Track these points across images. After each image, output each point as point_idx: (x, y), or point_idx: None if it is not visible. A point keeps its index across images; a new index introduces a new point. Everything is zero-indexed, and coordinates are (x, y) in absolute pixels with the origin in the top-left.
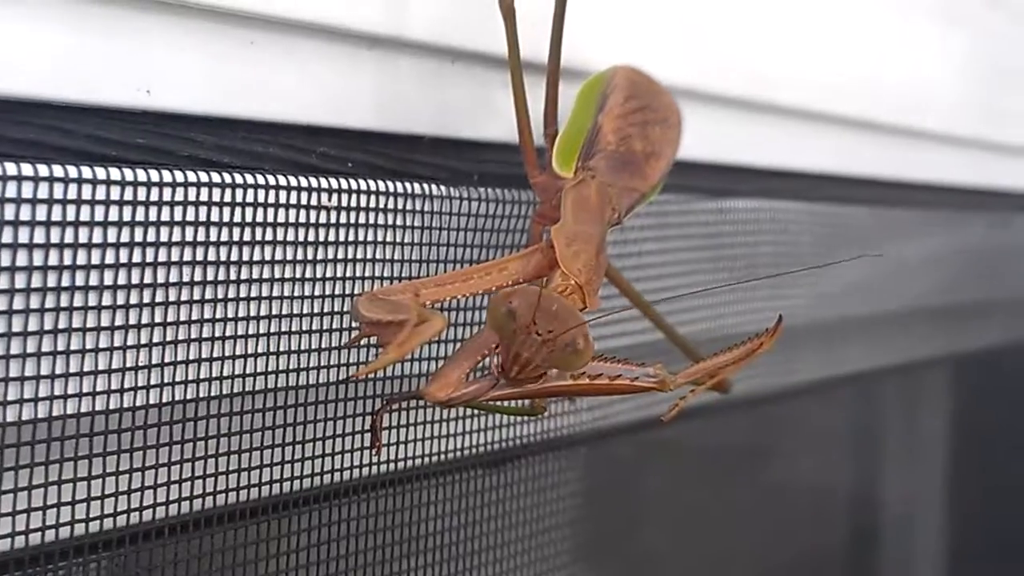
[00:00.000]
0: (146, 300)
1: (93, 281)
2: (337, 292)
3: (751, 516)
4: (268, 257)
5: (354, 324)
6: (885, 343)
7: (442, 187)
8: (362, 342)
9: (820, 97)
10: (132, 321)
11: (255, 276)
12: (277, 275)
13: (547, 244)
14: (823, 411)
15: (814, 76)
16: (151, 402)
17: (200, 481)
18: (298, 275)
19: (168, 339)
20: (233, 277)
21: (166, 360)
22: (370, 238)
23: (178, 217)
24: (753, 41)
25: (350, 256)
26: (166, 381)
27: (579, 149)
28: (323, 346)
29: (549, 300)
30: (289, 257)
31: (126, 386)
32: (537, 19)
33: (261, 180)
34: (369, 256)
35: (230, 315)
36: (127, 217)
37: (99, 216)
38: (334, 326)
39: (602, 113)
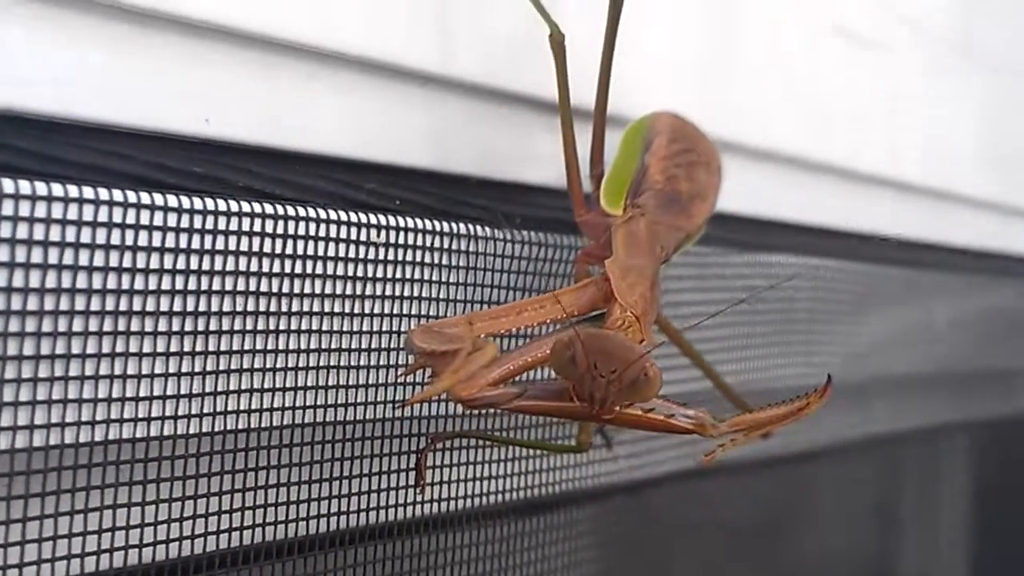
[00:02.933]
0: (198, 328)
1: (150, 307)
2: (383, 328)
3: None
4: (318, 291)
5: (408, 357)
6: (910, 406)
7: (487, 228)
8: (416, 374)
9: (857, 157)
10: (186, 348)
11: (304, 309)
12: (326, 309)
13: (601, 277)
14: (845, 472)
15: (854, 137)
16: (202, 431)
17: (247, 513)
18: (346, 309)
19: (219, 368)
20: (283, 309)
21: (214, 389)
22: (416, 276)
23: (232, 247)
24: (797, 97)
25: (396, 293)
26: (212, 411)
27: (627, 187)
28: (369, 381)
29: (604, 340)
30: (338, 291)
31: (176, 413)
32: (584, 63)
33: (313, 213)
34: (415, 294)
35: (279, 347)
36: (183, 245)
37: (156, 242)
38: (380, 362)
39: (648, 153)
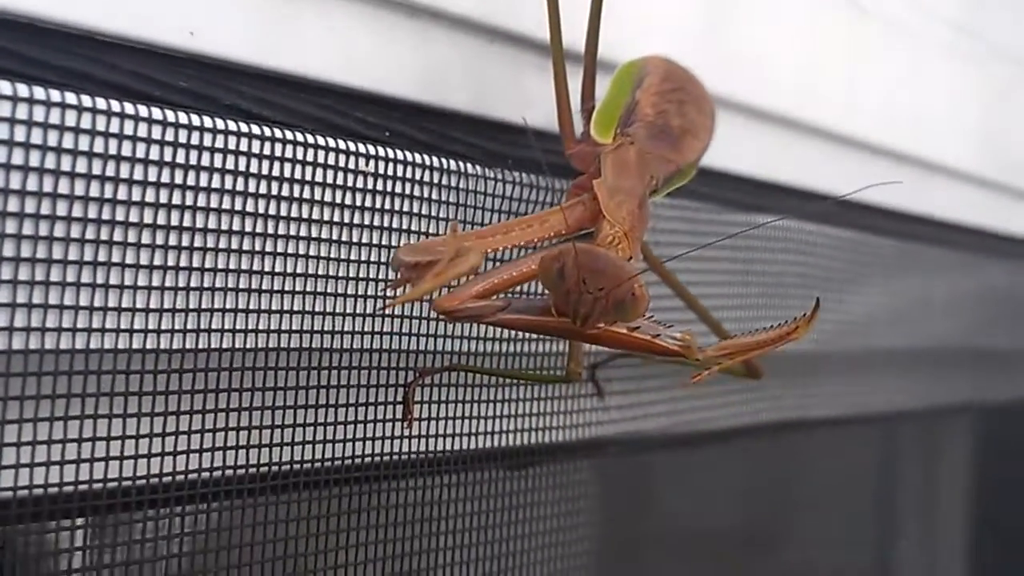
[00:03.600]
0: (177, 243)
1: (132, 217)
2: (369, 258)
3: (759, 542)
4: (302, 215)
5: (393, 275)
6: (908, 382)
7: (478, 167)
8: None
9: (860, 125)
10: (158, 262)
11: (288, 232)
12: (312, 234)
13: (589, 197)
14: (842, 447)
15: (858, 103)
16: (184, 346)
17: (229, 434)
18: (332, 236)
19: (195, 285)
20: (265, 230)
21: (191, 306)
22: (404, 208)
23: (217, 164)
24: (794, 58)
25: (384, 224)
26: (194, 327)
27: (618, 119)
28: (350, 310)
29: (595, 257)
30: (325, 217)
31: (156, 327)
32: (575, 2)
33: (301, 138)
34: (403, 226)
35: (260, 268)
36: (167, 158)
37: (139, 153)
38: (363, 292)
39: (639, 89)
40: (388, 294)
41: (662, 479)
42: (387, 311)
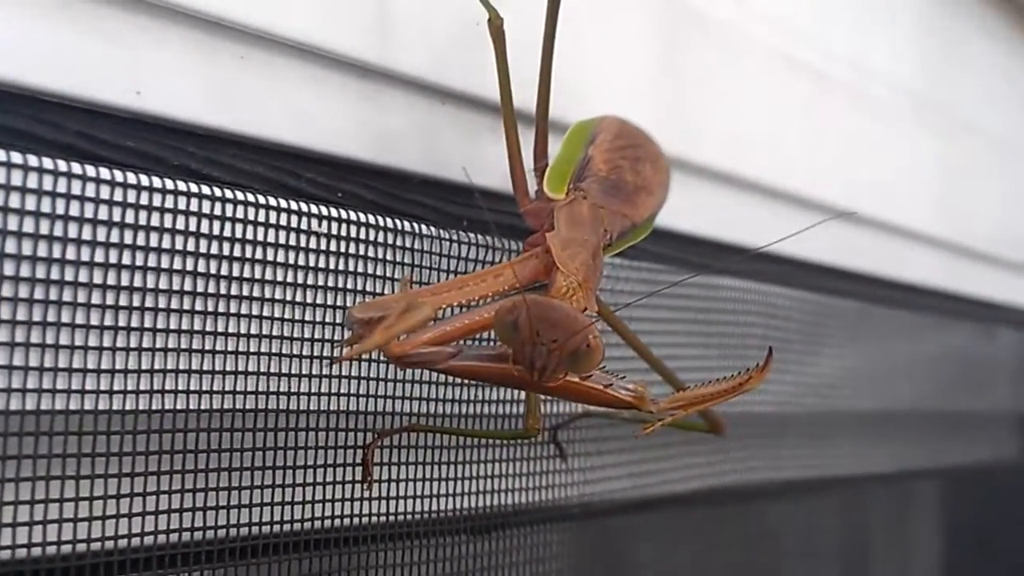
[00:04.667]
0: (125, 303)
1: (81, 277)
2: (322, 319)
3: None
4: (254, 275)
5: (347, 333)
6: (874, 446)
7: (432, 227)
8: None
9: (812, 186)
10: (108, 322)
11: (241, 292)
12: (264, 294)
13: (543, 250)
14: (809, 510)
15: (819, 167)
16: (130, 408)
17: (174, 497)
18: (284, 297)
19: (146, 345)
20: (217, 290)
21: (142, 367)
22: (359, 269)
23: (167, 224)
24: (750, 122)
25: (337, 284)
26: (142, 388)
27: (570, 174)
28: (304, 372)
29: (549, 308)
30: (276, 278)
31: (102, 388)
32: (527, 58)
33: (252, 198)
34: (356, 287)
35: (212, 328)
36: (115, 218)
37: (87, 213)
38: (316, 353)
39: (592, 146)
40: (338, 351)
41: (627, 542)
42: (336, 366)
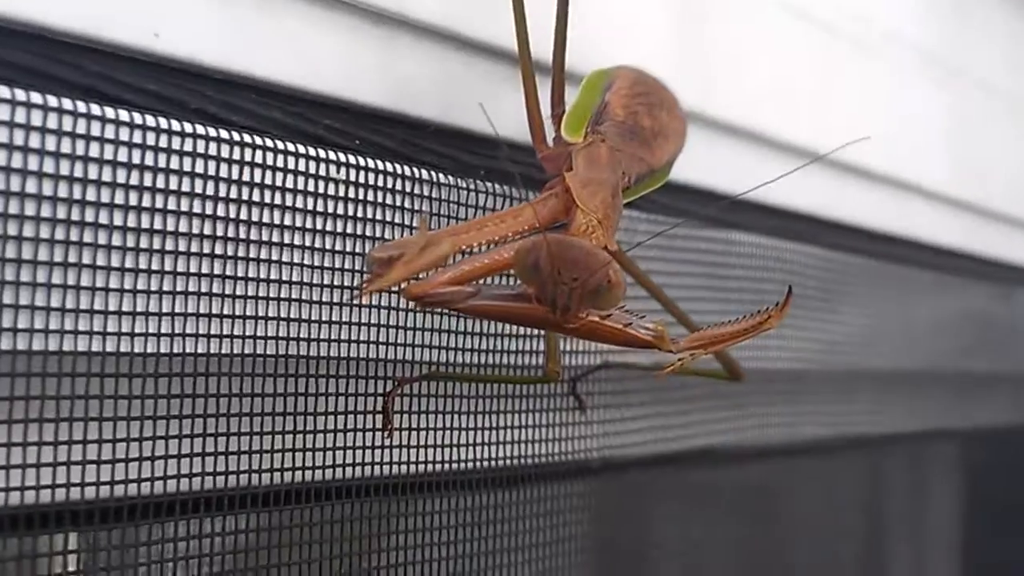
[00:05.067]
0: (148, 246)
1: (101, 219)
2: (340, 266)
3: (745, 564)
4: (272, 220)
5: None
6: (892, 405)
7: (450, 176)
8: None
9: (826, 141)
10: (129, 265)
11: (260, 238)
12: (283, 240)
13: (562, 189)
14: (827, 469)
15: (830, 123)
16: (147, 350)
17: (196, 441)
18: (303, 243)
19: (166, 289)
20: (237, 235)
21: (163, 310)
22: (376, 216)
23: (187, 168)
24: (767, 75)
25: (355, 231)
26: (162, 331)
27: (588, 119)
28: (324, 318)
29: (569, 247)
30: (294, 224)
31: (122, 330)
32: (542, 9)
33: (270, 143)
34: (374, 234)
35: (232, 273)
36: (135, 160)
37: (107, 155)
38: (336, 300)
39: (610, 92)
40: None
41: (646, 497)
42: (358, 301)
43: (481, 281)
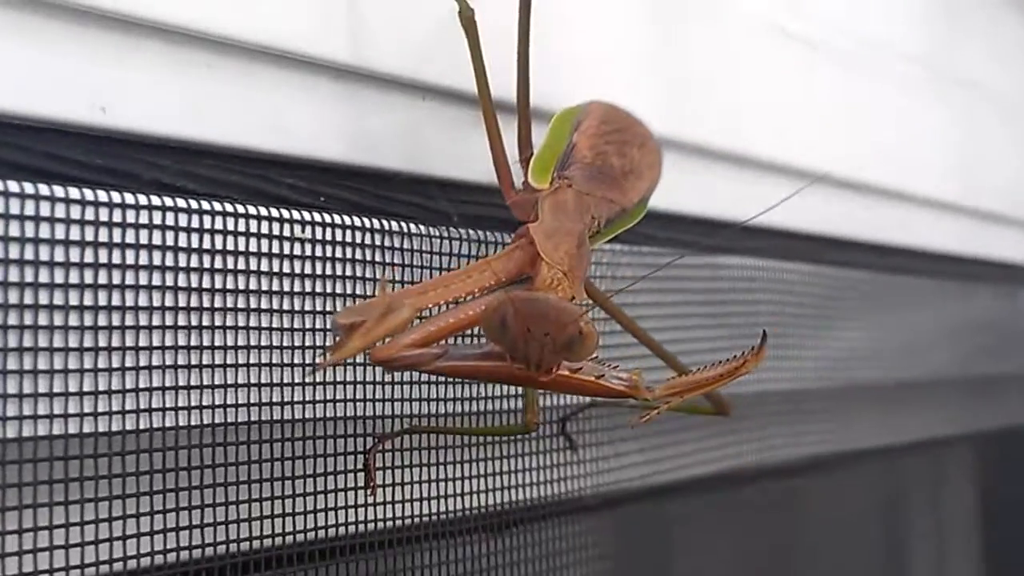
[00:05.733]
0: (104, 323)
1: (57, 300)
2: (312, 327)
3: None
4: (239, 286)
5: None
6: (901, 416)
7: (420, 226)
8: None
9: (818, 159)
10: (88, 344)
11: (225, 305)
12: (251, 305)
13: (526, 241)
14: (838, 485)
15: (815, 138)
16: (104, 430)
17: (172, 516)
18: (272, 306)
19: (127, 365)
20: (200, 304)
21: (127, 387)
22: (347, 273)
23: (143, 240)
24: (747, 98)
25: (327, 290)
26: (129, 408)
27: (555, 163)
28: (297, 381)
29: (536, 302)
30: (261, 287)
31: (72, 411)
32: (504, 48)
33: (230, 208)
34: (346, 291)
35: (198, 344)
36: (88, 237)
37: (59, 235)
38: (308, 361)
39: (577, 132)
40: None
41: (647, 531)
42: (317, 374)
43: (449, 340)
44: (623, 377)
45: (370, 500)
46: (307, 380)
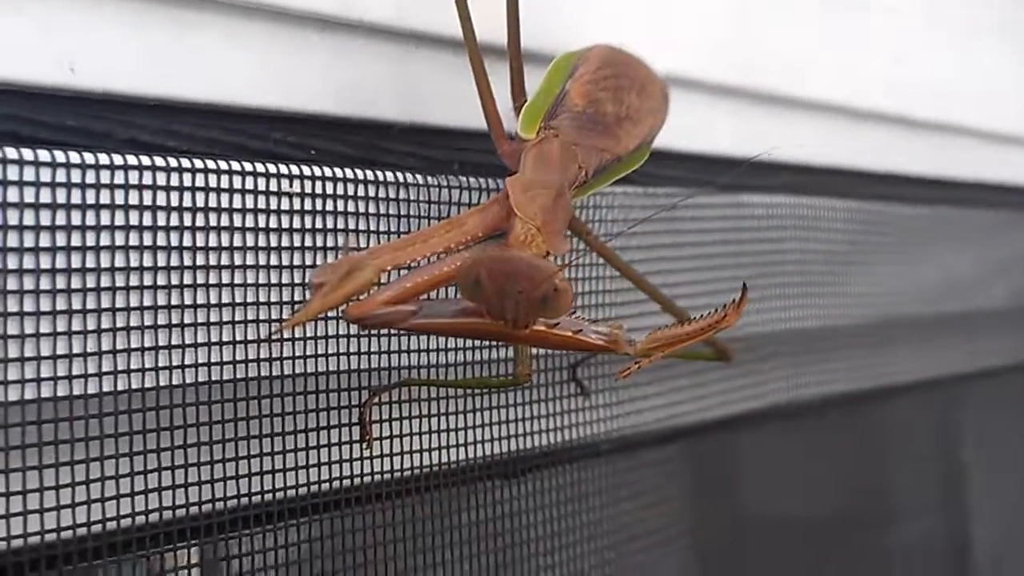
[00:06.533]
0: (92, 285)
1: (43, 264)
2: (303, 282)
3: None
4: (231, 244)
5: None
6: (952, 347)
7: (417, 176)
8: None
9: (854, 92)
10: (76, 306)
11: (220, 262)
12: (242, 262)
13: (503, 195)
14: (911, 414)
15: (848, 71)
16: (101, 390)
17: (177, 473)
18: (264, 262)
19: (132, 324)
20: (194, 263)
21: (132, 346)
22: (340, 226)
23: (120, 201)
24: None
25: (318, 244)
26: (133, 367)
27: (544, 112)
28: (297, 336)
29: (508, 261)
30: (252, 244)
31: (77, 373)
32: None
33: (212, 165)
34: (340, 244)
35: (192, 302)
36: (61, 200)
37: (28, 199)
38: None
39: (571, 80)
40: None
41: (665, 474)
42: (277, 335)
43: (424, 296)
44: (603, 331)
45: (366, 453)
46: (272, 339)
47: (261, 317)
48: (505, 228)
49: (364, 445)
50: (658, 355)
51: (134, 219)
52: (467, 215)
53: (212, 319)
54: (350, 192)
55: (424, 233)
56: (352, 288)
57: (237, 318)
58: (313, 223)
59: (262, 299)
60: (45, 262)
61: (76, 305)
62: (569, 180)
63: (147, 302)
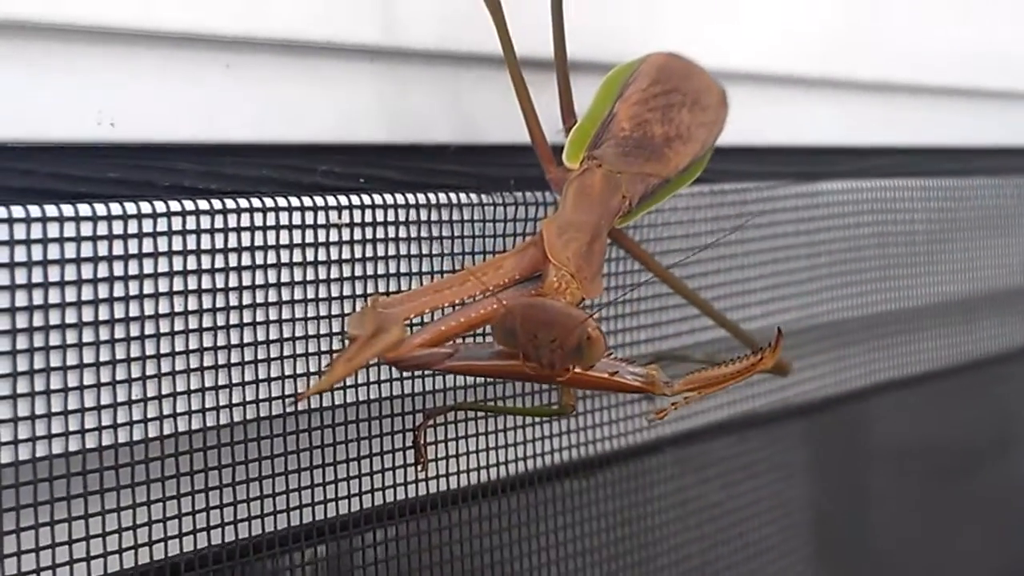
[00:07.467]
0: (139, 333)
1: (103, 316)
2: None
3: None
4: (279, 280)
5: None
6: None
7: (471, 195)
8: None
9: (924, 69)
10: (142, 352)
11: (268, 300)
12: (296, 297)
13: (539, 236)
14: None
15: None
16: (158, 434)
17: (246, 506)
18: (320, 295)
19: (176, 369)
20: (240, 303)
21: (167, 392)
22: (391, 252)
23: (163, 248)
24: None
25: (368, 272)
26: (172, 412)
27: (590, 139)
28: None
29: (541, 310)
30: (309, 278)
31: (132, 419)
32: (537, 10)
33: (257, 203)
34: (392, 271)
35: (235, 342)
36: (103, 252)
37: (69, 254)
38: None
39: (620, 100)
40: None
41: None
42: (297, 406)
43: (460, 339)
44: (639, 373)
45: (421, 476)
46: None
47: (322, 349)
48: (542, 270)
49: (419, 468)
50: (695, 397)
51: (177, 265)
52: (503, 257)
53: (272, 355)
54: (402, 217)
55: (461, 276)
56: (378, 350)
57: (298, 351)
58: (365, 252)
59: (323, 331)
60: (117, 311)
61: (150, 351)
62: (611, 214)
63: (207, 343)
